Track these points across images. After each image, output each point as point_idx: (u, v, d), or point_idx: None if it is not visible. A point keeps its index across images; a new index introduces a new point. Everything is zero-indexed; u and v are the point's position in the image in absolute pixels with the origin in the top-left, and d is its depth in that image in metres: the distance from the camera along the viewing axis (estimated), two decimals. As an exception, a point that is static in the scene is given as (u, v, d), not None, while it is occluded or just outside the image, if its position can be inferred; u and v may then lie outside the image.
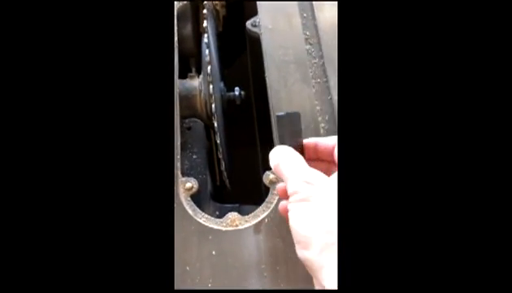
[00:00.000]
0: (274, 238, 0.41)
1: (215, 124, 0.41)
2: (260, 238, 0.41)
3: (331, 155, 0.35)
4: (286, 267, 0.40)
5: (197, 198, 0.45)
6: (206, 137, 0.53)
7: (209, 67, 0.42)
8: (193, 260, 0.40)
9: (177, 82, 0.48)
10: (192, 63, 0.55)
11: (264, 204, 0.43)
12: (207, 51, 0.43)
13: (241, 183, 0.58)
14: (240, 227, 0.42)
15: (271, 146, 0.45)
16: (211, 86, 0.43)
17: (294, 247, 0.33)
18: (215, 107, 0.42)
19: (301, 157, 0.34)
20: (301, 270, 0.40)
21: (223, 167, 0.46)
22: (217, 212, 0.48)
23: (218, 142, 0.42)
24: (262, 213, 0.42)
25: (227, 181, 0.49)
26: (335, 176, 0.31)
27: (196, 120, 0.51)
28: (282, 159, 0.34)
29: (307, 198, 0.30)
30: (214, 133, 0.55)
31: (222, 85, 0.53)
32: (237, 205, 0.49)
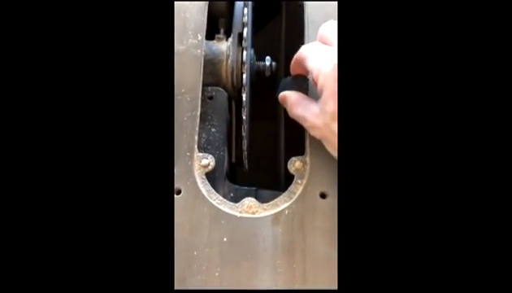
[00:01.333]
0: (293, 233, 0.37)
1: (244, 98, 0.37)
2: (278, 231, 0.37)
3: None
4: (303, 266, 0.36)
5: (211, 177, 0.41)
6: (228, 110, 0.48)
7: (245, 30, 0.37)
8: (202, 245, 0.37)
9: (203, 44, 0.44)
10: (221, 23, 0.50)
11: (286, 193, 0.39)
12: (246, 10, 0.37)
13: (258, 163, 0.54)
14: (256, 215, 0.38)
15: (297, 125, 0.40)
16: (245, 53, 0.37)
17: (314, 245, 0.34)
18: (246, 77, 0.37)
19: None
20: (321, 273, 0.36)
21: (245, 146, 0.41)
22: (231, 194, 0.44)
23: (244, 118, 0.38)
24: (282, 203, 0.38)
25: (245, 162, 0.45)
26: None
27: (219, 89, 0.46)
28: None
29: None
30: (239, 107, 0.50)
31: (252, 52, 0.48)
32: (254, 189, 0.45)
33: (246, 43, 0.37)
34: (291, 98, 0.40)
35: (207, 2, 0.45)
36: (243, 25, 0.40)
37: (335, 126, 0.35)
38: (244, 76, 0.38)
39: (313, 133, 0.38)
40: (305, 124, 0.39)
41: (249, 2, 0.38)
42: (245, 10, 0.37)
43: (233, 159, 0.52)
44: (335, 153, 0.37)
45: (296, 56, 0.40)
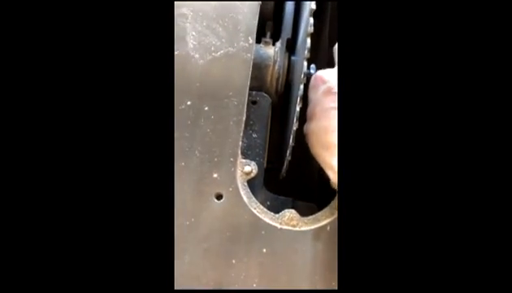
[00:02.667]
0: (334, 250, 0.37)
1: (298, 109, 0.36)
2: (319, 246, 0.38)
3: None
4: (342, 285, 0.36)
5: (250, 183, 0.41)
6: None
7: (308, 40, 0.36)
8: (241, 254, 0.37)
9: (253, 48, 0.43)
10: (268, 26, 0.49)
11: (328, 209, 0.39)
12: (311, 20, 0.37)
13: (291, 172, 0.54)
14: (297, 228, 0.38)
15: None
16: (305, 63, 0.37)
17: None
18: (301, 88, 0.37)
19: None
20: None
21: (289, 155, 0.41)
22: (268, 202, 0.44)
23: (294, 128, 0.38)
24: (324, 219, 0.38)
25: (285, 169, 0.45)
26: None
27: (263, 94, 0.46)
28: None
29: None
30: (278, 112, 0.50)
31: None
32: (290, 199, 0.45)
33: (307, 54, 0.37)
34: None
35: (260, 3, 0.44)
36: (297, 34, 0.39)
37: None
38: (301, 86, 0.37)
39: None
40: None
41: (311, 8, 0.37)
42: (311, 19, 0.36)
43: (265, 165, 0.52)
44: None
45: None
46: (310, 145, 0.41)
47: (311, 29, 0.37)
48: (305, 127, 0.41)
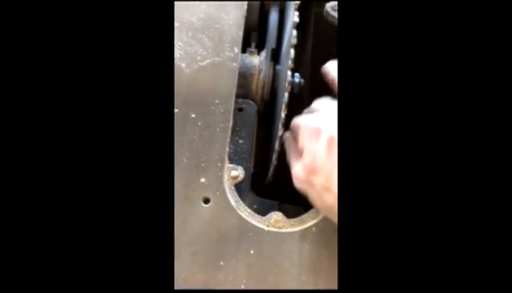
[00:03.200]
0: (320, 250, 0.39)
1: (283, 115, 0.38)
2: (305, 247, 0.39)
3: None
4: (329, 284, 0.38)
5: (237, 188, 0.42)
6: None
7: (291, 51, 0.39)
8: (229, 256, 0.38)
9: (239, 57, 0.45)
10: (253, 37, 0.51)
11: (313, 210, 0.40)
12: (295, 32, 0.39)
13: (278, 177, 0.55)
14: (283, 230, 0.40)
15: None
16: (289, 73, 0.39)
17: None
18: (286, 96, 0.39)
19: None
20: None
21: (276, 160, 0.43)
22: (255, 206, 0.46)
23: (279, 134, 0.39)
24: (310, 220, 0.40)
25: (271, 174, 0.46)
26: None
27: (249, 101, 0.48)
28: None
29: None
30: (264, 119, 0.52)
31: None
32: (277, 203, 0.47)
33: (291, 64, 0.39)
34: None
35: (245, 15, 0.46)
36: (280, 44, 0.41)
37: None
38: (286, 94, 0.39)
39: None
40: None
41: (294, 21, 0.40)
42: (294, 32, 0.39)
43: (252, 170, 0.53)
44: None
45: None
46: (308, 194, 0.38)
47: (294, 41, 0.39)
48: (305, 175, 0.37)
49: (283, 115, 0.39)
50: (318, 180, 0.35)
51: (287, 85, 0.40)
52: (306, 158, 0.36)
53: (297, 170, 0.38)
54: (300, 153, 0.38)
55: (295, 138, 0.40)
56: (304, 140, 0.37)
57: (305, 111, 0.41)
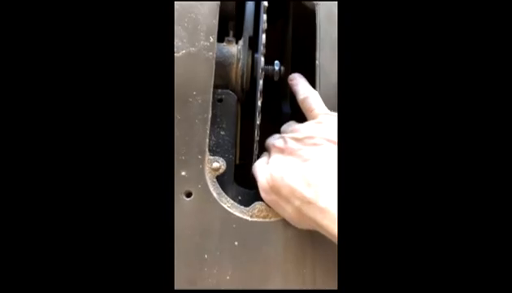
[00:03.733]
0: (304, 238, 0.38)
1: (259, 103, 0.38)
2: (289, 236, 0.38)
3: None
4: (313, 271, 0.37)
5: (220, 180, 0.42)
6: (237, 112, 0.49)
7: (263, 36, 0.38)
8: (213, 249, 0.38)
9: (215, 46, 0.44)
10: (231, 25, 0.50)
11: (297, 198, 0.40)
12: (265, 17, 0.38)
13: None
14: (267, 219, 0.39)
15: None
16: (262, 59, 0.38)
17: (325, 250, 0.36)
18: (261, 83, 0.38)
19: None
20: (329, 277, 0.37)
21: (257, 150, 0.42)
22: (239, 197, 0.45)
23: (258, 123, 0.39)
24: (293, 208, 0.39)
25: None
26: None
27: (229, 91, 0.47)
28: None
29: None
30: (245, 109, 0.51)
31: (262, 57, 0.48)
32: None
33: (264, 50, 0.38)
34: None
35: (219, 4, 0.45)
36: (257, 31, 0.41)
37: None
38: (260, 81, 0.39)
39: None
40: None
41: (264, 5, 0.39)
42: (264, 16, 0.38)
43: (237, 161, 0.53)
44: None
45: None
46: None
47: (265, 26, 0.38)
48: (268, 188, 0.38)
49: (259, 103, 0.38)
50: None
51: (260, 71, 0.39)
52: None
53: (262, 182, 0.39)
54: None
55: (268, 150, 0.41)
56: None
57: (288, 129, 0.42)
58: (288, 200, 0.36)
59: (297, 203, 0.35)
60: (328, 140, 0.36)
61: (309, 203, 0.34)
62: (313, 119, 0.40)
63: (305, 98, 0.42)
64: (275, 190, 0.37)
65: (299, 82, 0.45)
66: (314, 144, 0.36)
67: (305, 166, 0.35)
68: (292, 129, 0.41)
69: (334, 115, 0.39)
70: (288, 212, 0.37)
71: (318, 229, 0.35)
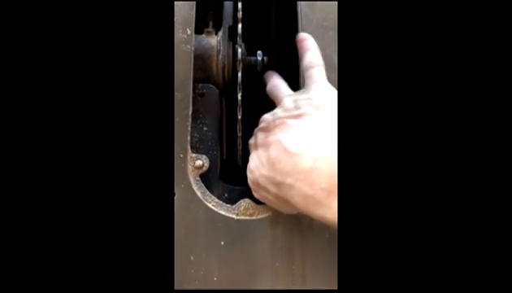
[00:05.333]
0: (292, 234, 0.38)
1: (239, 97, 0.36)
2: (276, 233, 0.38)
3: None
4: (302, 267, 0.37)
5: (205, 177, 0.41)
6: (220, 107, 0.48)
7: (239, 26, 0.36)
8: (199, 249, 0.37)
9: (193, 39, 0.43)
10: (210, 16, 0.49)
11: (283, 194, 0.39)
12: (240, 4, 0.36)
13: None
14: (254, 217, 0.38)
15: None
16: (239, 50, 0.37)
17: (313, 245, 0.35)
18: (240, 75, 0.37)
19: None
20: (320, 273, 0.37)
21: (240, 145, 0.41)
22: (226, 195, 0.44)
23: (239, 117, 0.38)
24: (280, 204, 0.39)
25: (240, 162, 0.45)
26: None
27: (210, 86, 0.46)
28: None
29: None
30: (230, 103, 0.50)
31: (243, 46, 0.47)
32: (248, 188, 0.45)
33: (241, 40, 0.37)
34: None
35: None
36: (236, 20, 0.39)
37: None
38: (239, 74, 0.37)
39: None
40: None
41: None
42: (239, 4, 0.36)
43: (224, 156, 0.52)
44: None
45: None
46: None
47: (240, 14, 0.37)
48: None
49: (239, 96, 0.37)
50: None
51: (238, 63, 0.37)
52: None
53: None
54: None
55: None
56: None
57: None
58: (267, 190, 0.35)
59: (272, 189, 0.34)
60: (287, 118, 0.35)
61: (279, 184, 0.33)
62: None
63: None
64: (255, 185, 0.36)
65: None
66: (276, 127, 0.35)
67: (269, 152, 0.35)
68: (260, 121, 0.40)
69: (295, 95, 0.38)
70: (273, 201, 0.36)
71: (298, 210, 0.35)
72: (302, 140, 0.32)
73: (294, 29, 0.45)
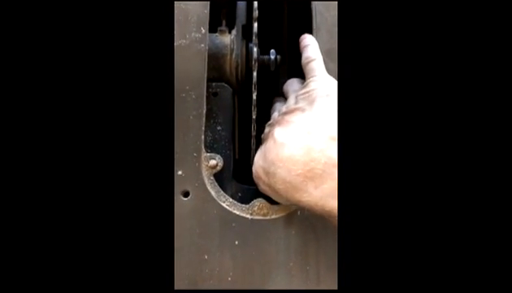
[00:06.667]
0: (306, 235, 0.38)
1: (254, 97, 0.36)
2: (291, 233, 0.38)
3: None
4: (317, 268, 0.37)
5: (218, 177, 0.41)
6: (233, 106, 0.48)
7: (255, 25, 0.36)
8: (213, 249, 0.37)
9: (207, 38, 0.43)
10: (223, 14, 0.49)
11: (298, 194, 0.39)
12: (256, 3, 0.36)
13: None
14: (268, 217, 0.39)
15: None
16: (255, 49, 0.37)
17: (327, 245, 0.36)
18: (255, 75, 0.37)
19: None
20: (333, 273, 0.37)
21: (254, 145, 0.41)
22: (239, 194, 0.44)
23: (254, 117, 0.38)
24: (294, 204, 0.39)
25: (252, 160, 0.45)
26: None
27: (224, 85, 0.46)
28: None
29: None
30: (243, 102, 0.50)
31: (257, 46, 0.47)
32: (262, 188, 0.45)
33: (256, 40, 0.37)
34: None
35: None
36: (250, 19, 0.39)
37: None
38: (254, 73, 0.37)
39: None
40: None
41: None
42: (255, 3, 0.36)
43: (237, 156, 0.52)
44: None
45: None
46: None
47: (256, 13, 0.37)
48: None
49: (254, 96, 0.37)
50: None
51: (254, 62, 0.37)
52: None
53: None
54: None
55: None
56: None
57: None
58: (262, 180, 0.37)
59: (265, 178, 0.36)
60: (285, 114, 0.37)
61: (267, 173, 0.35)
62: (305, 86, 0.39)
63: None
64: (255, 177, 0.38)
65: (309, 43, 0.42)
66: (277, 122, 0.37)
67: (265, 145, 0.37)
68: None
69: (298, 90, 0.39)
70: (267, 191, 0.37)
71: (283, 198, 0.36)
72: (288, 132, 0.35)
73: (308, 27, 0.45)
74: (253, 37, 0.37)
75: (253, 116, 0.38)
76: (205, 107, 0.41)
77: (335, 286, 0.37)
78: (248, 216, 0.38)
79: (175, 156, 0.39)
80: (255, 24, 0.37)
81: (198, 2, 0.43)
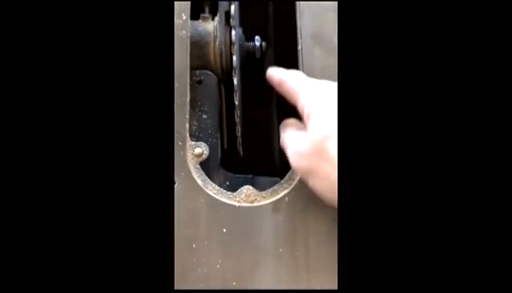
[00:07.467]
0: (294, 220, 0.38)
1: (235, 82, 0.36)
2: (279, 219, 0.38)
3: None
4: (306, 253, 0.37)
5: (205, 166, 0.41)
6: (218, 94, 0.47)
7: (232, 7, 0.36)
8: (201, 237, 0.37)
9: (188, 24, 0.42)
10: (206, 1, 0.48)
11: (285, 180, 0.39)
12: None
13: (251, 149, 0.53)
14: (256, 204, 0.38)
15: (290, 109, 0.39)
16: (233, 32, 0.36)
17: (316, 231, 0.35)
18: (237, 60, 0.36)
19: None
20: (323, 258, 0.37)
21: (239, 132, 0.41)
22: (227, 183, 0.44)
23: (236, 103, 0.37)
24: (282, 190, 0.38)
25: (240, 149, 0.44)
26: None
27: (208, 72, 0.45)
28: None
29: None
30: (230, 91, 0.49)
31: (241, 32, 0.46)
32: (251, 176, 0.45)
33: (234, 22, 0.36)
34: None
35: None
36: (230, 2, 0.38)
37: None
38: (234, 58, 0.37)
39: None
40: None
41: None
42: None
43: (225, 146, 0.52)
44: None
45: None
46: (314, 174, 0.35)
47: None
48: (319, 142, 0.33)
49: (235, 81, 0.36)
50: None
51: (233, 46, 0.37)
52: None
53: (301, 143, 0.34)
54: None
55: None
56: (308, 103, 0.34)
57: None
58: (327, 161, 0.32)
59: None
60: None
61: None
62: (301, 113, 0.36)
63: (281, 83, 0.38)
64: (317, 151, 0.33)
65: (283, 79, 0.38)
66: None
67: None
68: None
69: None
70: (326, 173, 0.32)
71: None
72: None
73: (292, 12, 0.44)
74: (231, 20, 0.36)
75: (236, 102, 0.38)
76: (188, 95, 0.41)
77: (324, 271, 0.36)
78: (235, 203, 0.38)
79: (160, 145, 0.39)
80: (232, 6, 0.36)
81: (179, -12, 0.43)
